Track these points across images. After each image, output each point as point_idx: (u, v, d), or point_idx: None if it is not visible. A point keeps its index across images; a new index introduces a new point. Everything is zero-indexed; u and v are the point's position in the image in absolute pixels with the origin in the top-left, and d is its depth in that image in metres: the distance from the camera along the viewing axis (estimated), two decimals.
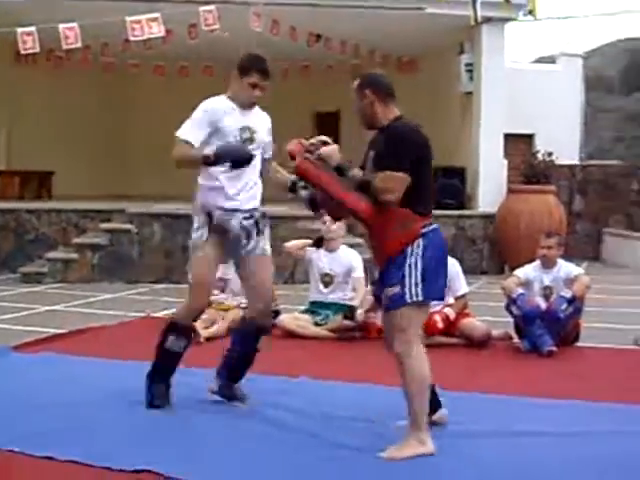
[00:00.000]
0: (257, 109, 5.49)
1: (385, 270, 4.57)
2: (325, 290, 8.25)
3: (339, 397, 5.69)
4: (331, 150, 4.67)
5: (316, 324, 8.10)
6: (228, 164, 5.13)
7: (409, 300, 4.43)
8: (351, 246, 8.92)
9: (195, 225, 5.48)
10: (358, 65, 15.56)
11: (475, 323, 7.80)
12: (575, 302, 7.46)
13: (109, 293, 11.24)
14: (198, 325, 7.75)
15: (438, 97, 16.58)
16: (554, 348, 7.24)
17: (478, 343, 7.59)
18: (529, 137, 17.85)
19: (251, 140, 5.35)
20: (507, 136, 15.58)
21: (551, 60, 20.92)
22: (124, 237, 12.68)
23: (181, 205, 13.70)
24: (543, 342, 7.28)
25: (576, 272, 7.75)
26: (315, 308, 8.19)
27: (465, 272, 8.17)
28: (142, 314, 9.22)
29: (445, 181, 14.36)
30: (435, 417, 4.85)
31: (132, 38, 12.83)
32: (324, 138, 4.78)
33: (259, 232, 5.39)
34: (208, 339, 7.69)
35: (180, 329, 5.41)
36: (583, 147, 19.81)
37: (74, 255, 12.61)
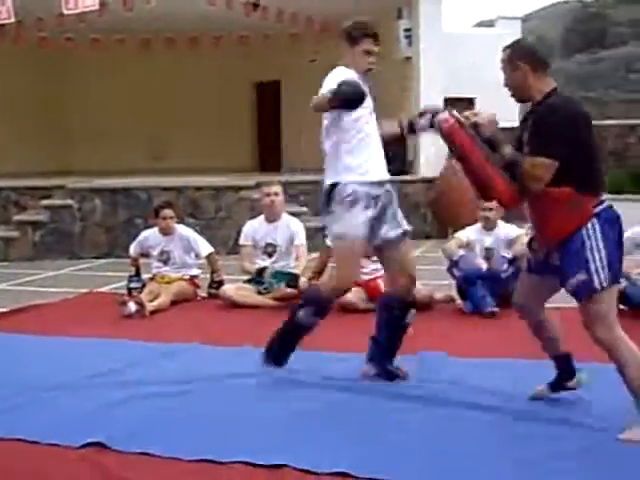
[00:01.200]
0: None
1: (562, 256, 4.30)
2: (269, 260, 8.26)
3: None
4: (488, 117, 4.45)
5: (259, 293, 8.11)
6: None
7: (598, 287, 4.19)
8: (293, 214, 8.93)
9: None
10: (296, 34, 15.51)
11: (417, 287, 7.84)
12: (516, 262, 7.55)
13: (52, 270, 11.14)
14: (144, 298, 7.76)
15: (378, 63, 16.51)
16: (496, 309, 7.33)
17: (420, 306, 7.62)
18: (469, 101, 17.94)
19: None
20: (447, 100, 15.63)
21: (490, 24, 21.03)
22: (65, 213, 12.54)
23: (121, 180, 13.65)
24: (485, 303, 7.36)
25: (516, 233, 7.84)
26: (259, 277, 8.18)
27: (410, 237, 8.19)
28: (85, 290, 9.16)
29: (385, 147, 14.34)
30: (570, 384, 4.80)
31: (66, 12, 12.65)
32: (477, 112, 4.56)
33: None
34: (153, 312, 7.67)
35: (319, 305, 5.27)
36: (523, 110, 19.95)
37: (15, 233, 12.46)
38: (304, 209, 12.51)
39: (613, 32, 73.45)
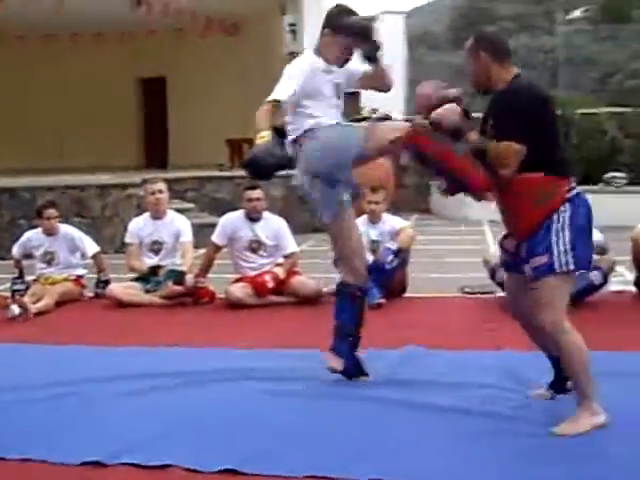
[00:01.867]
0: None
1: (529, 240, 4.18)
2: (156, 258, 8.18)
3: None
4: (450, 109, 4.31)
5: (147, 292, 8.03)
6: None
7: (558, 269, 4.08)
8: (179, 211, 8.87)
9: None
10: (181, 30, 15.41)
11: (305, 281, 7.90)
12: (401, 254, 7.66)
13: None
14: (27, 300, 7.61)
15: (264, 58, 16.59)
16: (382, 300, 7.41)
17: (309, 300, 7.69)
18: (354, 94, 18.01)
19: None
20: None
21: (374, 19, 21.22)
22: None
23: (5, 179, 13.34)
24: (371, 295, 7.42)
25: (401, 225, 7.94)
26: (146, 276, 8.10)
27: (297, 231, 8.28)
28: None
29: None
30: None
31: None
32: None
33: None
34: (37, 314, 7.52)
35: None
36: (408, 102, 20.19)
37: None
38: (191, 205, 12.44)
39: (498, 26, 74.84)
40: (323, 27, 5.06)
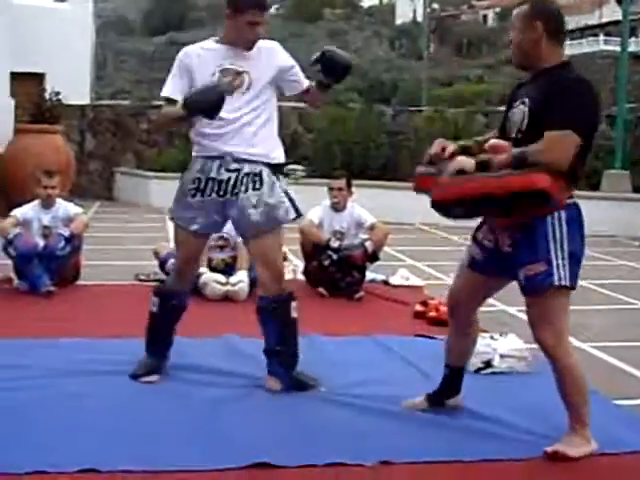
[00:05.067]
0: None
1: (519, 241, 3.81)
2: None
3: None
4: (460, 161, 3.76)
5: None
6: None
7: (557, 282, 3.71)
8: None
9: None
10: None
11: None
12: (73, 240, 7.52)
13: None
14: None
15: None
16: (52, 288, 7.24)
17: None
18: (40, 76, 17.48)
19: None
20: (15, 75, 15.21)
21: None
22: None
23: None
24: (41, 282, 7.25)
25: (75, 211, 7.78)
26: None
27: None
28: None
29: None
30: (451, 401, 4.42)
31: None
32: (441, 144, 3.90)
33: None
34: None
35: None
36: (95, 87, 19.94)
37: None
38: None
39: (192, 16, 75.57)
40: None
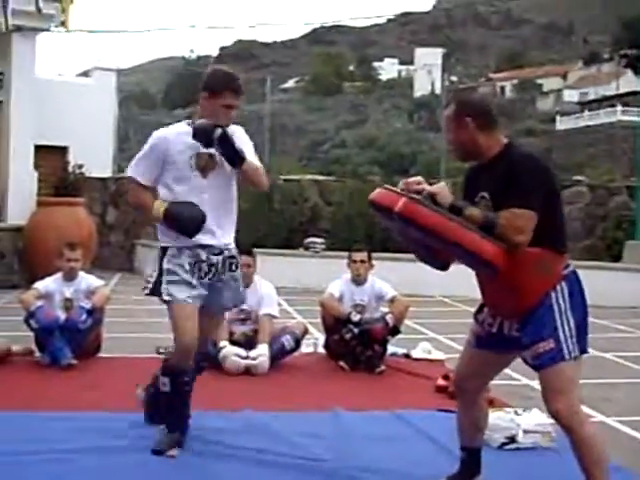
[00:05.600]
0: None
1: (526, 324, 3.85)
2: None
3: None
4: (442, 187, 3.89)
5: None
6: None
7: (567, 356, 3.77)
8: None
9: None
10: None
11: None
12: (95, 313, 7.54)
13: None
14: None
15: None
16: (73, 361, 7.24)
17: None
18: (63, 149, 17.70)
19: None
20: (39, 148, 15.40)
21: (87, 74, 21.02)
22: None
23: None
24: (62, 355, 7.25)
25: (97, 284, 7.80)
26: None
27: None
28: None
29: None
30: None
31: None
32: (419, 179, 3.94)
33: None
34: None
35: None
36: (118, 159, 20.14)
37: None
38: None
39: None
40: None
